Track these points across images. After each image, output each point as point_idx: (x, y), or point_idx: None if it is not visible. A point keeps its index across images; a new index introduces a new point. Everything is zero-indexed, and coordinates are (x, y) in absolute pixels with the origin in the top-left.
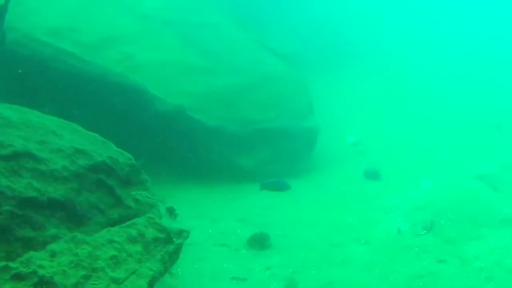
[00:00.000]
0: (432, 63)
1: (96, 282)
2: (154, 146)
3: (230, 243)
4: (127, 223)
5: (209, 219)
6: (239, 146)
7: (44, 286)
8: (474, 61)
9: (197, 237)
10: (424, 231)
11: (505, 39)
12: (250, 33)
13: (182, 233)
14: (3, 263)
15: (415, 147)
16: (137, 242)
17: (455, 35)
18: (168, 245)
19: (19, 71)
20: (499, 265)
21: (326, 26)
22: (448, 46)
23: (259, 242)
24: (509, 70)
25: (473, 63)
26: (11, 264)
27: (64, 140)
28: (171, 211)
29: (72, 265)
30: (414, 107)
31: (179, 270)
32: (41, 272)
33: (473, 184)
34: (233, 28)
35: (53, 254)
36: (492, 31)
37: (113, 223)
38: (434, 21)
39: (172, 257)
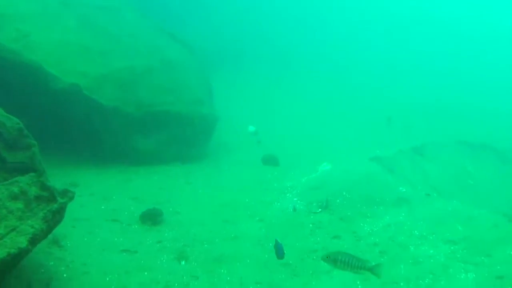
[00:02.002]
0: (333, 63)
1: None
2: (51, 125)
3: (122, 218)
4: (10, 180)
5: (102, 196)
6: (135, 128)
7: None
8: (371, 62)
9: (89, 213)
10: (320, 210)
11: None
12: (151, 20)
13: (67, 193)
14: None
15: (313, 136)
16: (18, 199)
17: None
18: (52, 204)
19: None
20: (393, 241)
21: (237, 27)
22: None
23: (151, 217)
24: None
25: (370, 65)
26: None
27: None
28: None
29: None
30: (314, 101)
31: (68, 242)
32: None
33: (369, 166)
34: (133, 13)
35: None
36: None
37: None
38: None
39: (56, 217)
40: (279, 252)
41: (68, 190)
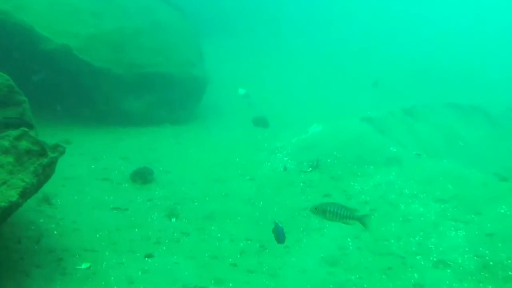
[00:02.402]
0: (323, 27)
1: None
2: (42, 86)
3: (112, 177)
4: (0, 135)
5: (92, 156)
6: (125, 90)
7: None
8: (361, 27)
9: (79, 172)
10: (310, 169)
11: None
12: None
13: (57, 148)
14: None
15: (303, 99)
16: (9, 153)
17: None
18: (42, 158)
19: None
20: (383, 199)
21: None
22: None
23: (142, 176)
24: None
25: (360, 29)
26: None
27: None
28: None
29: None
30: (304, 66)
31: (58, 201)
32: None
33: (360, 126)
34: None
35: None
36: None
37: None
38: None
39: (46, 171)
40: (280, 236)
41: (58, 144)
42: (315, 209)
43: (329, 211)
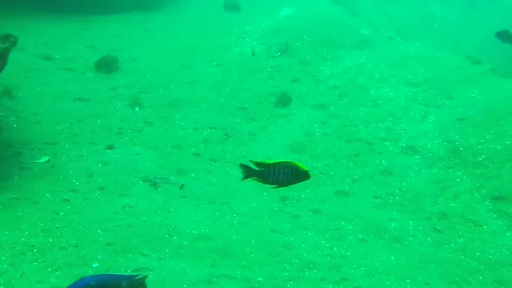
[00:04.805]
0: None
1: None
2: None
3: (76, 67)
4: None
5: (57, 46)
6: None
7: None
8: None
9: (43, 62)
10: (279, 53)
11: None
12: None
13: (8, 38)
14: None
15: None
16: None
17: None
18: None
19: None
20: (353, 83)
21: None
22: None
23: (106, 65)
24: None
25: None
26: None
27: None
28: None
29: None
30: None
31: (19, 93)
32: None
33: (331, 9)
34: None
35: None
36: None
37: None
38: None
39: None
40: None
41: (10, 34)
42: None
43: None
